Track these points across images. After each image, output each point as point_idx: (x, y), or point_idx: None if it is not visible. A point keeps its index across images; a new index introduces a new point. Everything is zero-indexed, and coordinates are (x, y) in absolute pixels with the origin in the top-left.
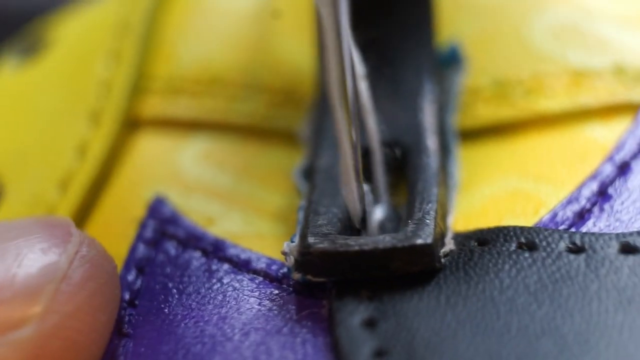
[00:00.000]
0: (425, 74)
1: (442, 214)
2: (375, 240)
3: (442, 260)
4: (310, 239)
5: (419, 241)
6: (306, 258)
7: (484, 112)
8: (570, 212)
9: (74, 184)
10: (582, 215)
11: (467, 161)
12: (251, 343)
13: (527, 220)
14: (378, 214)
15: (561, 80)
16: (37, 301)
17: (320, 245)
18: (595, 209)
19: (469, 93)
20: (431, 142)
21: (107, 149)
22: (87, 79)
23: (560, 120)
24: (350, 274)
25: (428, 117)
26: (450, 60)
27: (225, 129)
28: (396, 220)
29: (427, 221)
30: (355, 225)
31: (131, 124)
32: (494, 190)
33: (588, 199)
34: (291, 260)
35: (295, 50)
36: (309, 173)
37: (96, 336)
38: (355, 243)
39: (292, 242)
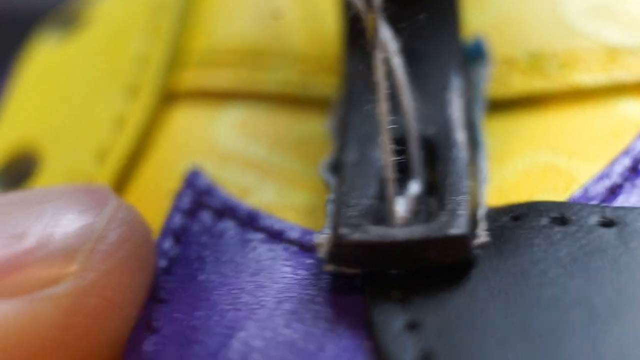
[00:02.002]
0: (452, 68)
1: (474, 206)
2: (409, 230)
3: (476, 252)
4: (343, 230)
5: (453, 231)
6: (339, 249)
7: (518, 83)
8: (601, 187)
9: (111, 156)
10: (613, 191)
11: (500, 132)
12: (285, 311)
13: (558, 195)
14: (414, 188)
15: (596, 55)
16: (74, 259)
17: (354, 236)
18: (627, 185)
19: (503, 62)
20: (460, 135)
21: (144, 121)
22: (124, 54)
23: (594, 95)
24: (384, 264)
25: (456, 111)
26: (475, 54)
27: (260, 99)
28: (428, 212)
29: (460, 212)
30: (392, 213)
31: (168, 97)
32: (527, 165)
33: (620, 175)
34: (323, 251)
35: (328, 18)
36: (336, 167)
37: (131, 296)
38: (388, 233)
39: (323, 234)
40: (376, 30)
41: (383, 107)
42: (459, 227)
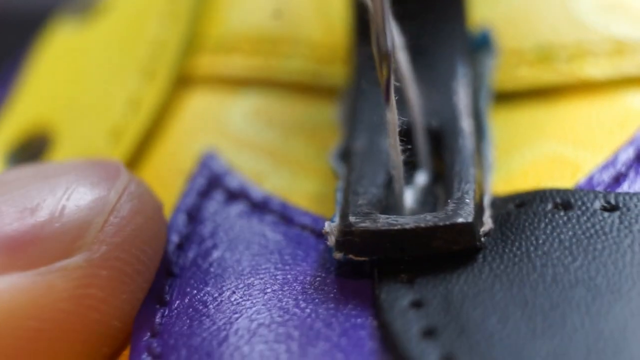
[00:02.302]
0: (459, 57)
1: (480, 194)
2: (417, 219)
3: (482, 239)
4: (352, 218)
5: (460, 220)
6: (348, 237)
7: (527, 75)
8: (606, 176)
9: (125, 135)
10: (617, 179)
11: (507, 123)
12: (294, 291)
13: (564, 184)
14: (421, 177)
15: (604, 48)
16: (86, 232)
17: (362, 224)
18: (631, 173)
19: (512, 54)
20: (466, 124)
21: (159, 103)
22: (141, 38)
23: (602, 87)
24: (392, 252)
25: (462, 100)
26: (482, 45)
27: (274, 86)
28: (434, 200)
29: (467, 200)
30: (399, 204)
31: (183, 81)
32: (534, 154)
33: (624, 164)
34: (332, 239)
35: (341, 7)
36: (345, 155)
37: (142, 268)
38: (396, 222)
39: (333, 222)
40: (383, 25)
41: (392, 103)
42: (465, 216)
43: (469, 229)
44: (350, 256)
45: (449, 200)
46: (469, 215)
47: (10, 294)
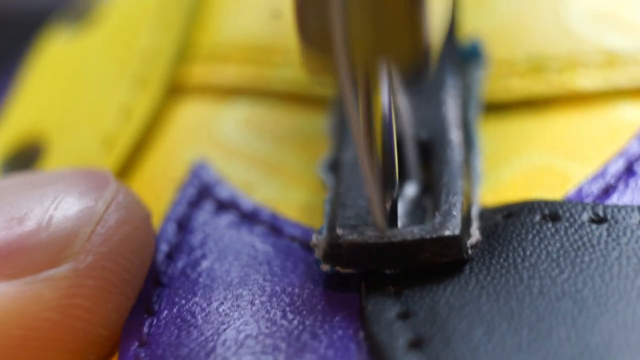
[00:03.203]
0: (448, 69)
1: (468, 205)
2: (404, 231)
3: (469, 251)
4: (339, 231)
5: (447, 232)
6: (335, 250)
7: (518, 86)
8: (595, 187)
9: (117, 144)
10: (607, 191)
11: (497, 134)
12: (282, 303)
13: (553, 195)
14: (410, 189)
15: (595, 59)
16: (73, 242)
17: (349, 237)
18: (620, 185)
19: (503, 64)
20: (455, 135)
21: (150, 112)
22: (133, 47)
23: (592, 98)
24: (379, 265)
25: (451, 111)
26: (472, 56)
27: (265, 95)
28: (422, 212)
29: (454, 213)
30: (379, 224)
31: (175, 90)
32: (523, 165)
33: (614, 176)
34: (320, 251)
35: None
36: (334, 166)
37: (129, 277)
38: (383, 235)
39: (320, 233)
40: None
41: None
42: (452, 228)
43: (456, 242)
44: (338, 268)
45: (436, 213)
46: (456, 227)
47: None
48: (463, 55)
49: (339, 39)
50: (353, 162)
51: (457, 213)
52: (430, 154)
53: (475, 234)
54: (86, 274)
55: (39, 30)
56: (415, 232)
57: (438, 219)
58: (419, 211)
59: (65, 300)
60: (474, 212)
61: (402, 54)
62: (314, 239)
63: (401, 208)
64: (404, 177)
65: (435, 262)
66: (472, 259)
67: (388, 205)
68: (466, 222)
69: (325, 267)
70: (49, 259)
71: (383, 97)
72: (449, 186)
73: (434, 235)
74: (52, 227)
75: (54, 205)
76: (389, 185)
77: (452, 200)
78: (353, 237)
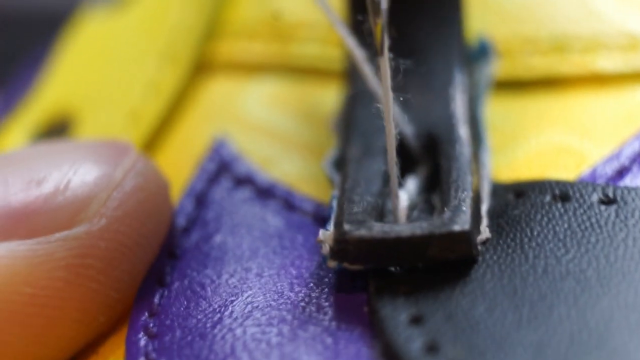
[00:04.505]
0: (456, 65)
1: (477, 202)
2: (412, 227)
3: (479, 247)
4: (346, 227)
5: (456, 228)
6: (342, 245)
7: (540, 64)
8: (609, 168)
9: (143, 118)
10: (620, 173)
11: (516, 111)
12: (290, 275)
13: (568, 174)
14: (417, 184)
15: (618, 41)
16: (89, 206)
17: (357, 233)
18: (634, 167)
19: (526, 42)
20: (463, 131)
21: (177, 88)
22: (163, 25)
23: (612, 80)
24: (387, 261)
25: (459, 107)
26: (480, 55)
27: (291, 72)
28: (430, 209)
29: (463, 208)
30: (396, 210)
31: (203, 66)
32: (541, 143)
33: (628, 157)
34: (327, 248)
35: None
36: (340, 163)
37: (143, 242)
38: (391, 230)
39: (327, 230)
40: (383, 36)
41: (389, 111)
42: (462, 224)
43: (465, 237)
44: (345, 265)
45: (445, 208)
46: (466, 223)
47: (8, 260)
48: (471, 53)
49: None
50: (359, 158)
51: (466, 209)
52: (439, 150)
53: (485, 231)
54: (99, 236)
55: (40, 30)
56: (424, 227)
57: (447, 214)
58: (427, 208)
59: (77, 260)
60: (484, 209)
61: None
62: (321, 235)
63: (410, 204)
64: (411, 172)
65: (444, 259)
66: (481, 256)
67: (399, 203)
68: (476, 218)
69: (332, 264)
70: (63, 221)
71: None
72: (459, 182)
73: (443, 231)
74: (69, 191)
75: (72, 170)
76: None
77: (461, 196)
78: (360, 232)
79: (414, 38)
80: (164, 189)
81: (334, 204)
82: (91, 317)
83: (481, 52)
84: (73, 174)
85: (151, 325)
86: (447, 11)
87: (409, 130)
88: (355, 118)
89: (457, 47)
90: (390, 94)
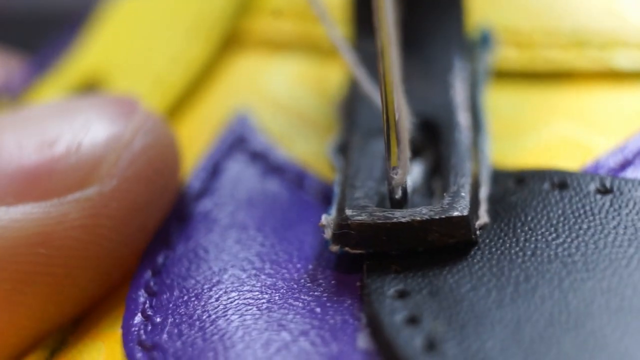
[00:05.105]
0: (455, 52)
1: (476, 187)
2: (412, 212)
3: (477, 232)
4: (348, 212)
5: (456, 213)
6: (344, 230)
7: (558, 58)
8: (612, 161)
9: (168, 87)
10: (623, 166)
11: (528, 101)
12: (290, 247)
13: (573, 165)
14: (417, 169)
15: (636, 40)
16: (100, 167)
17: (358, 218)
18: (637, 160)
19: (546, 35)
20: (463, 118)
21: (204, 60)
22: (193, 1)
23: (626, 77)
24: (388, 245)
25: (459, 94)
26: (482, 44)
27: (316, 51)
28: (430, 194)
29: (462, 194)
30: (395, 197)
31: (232, 42)
32: (550, 134)
33: (632, 152)
34: (329, 232)
35: None
36: (343, 149)
37: (154, 198)
38: (392, 215)
39: (329, 214)
40: (384, 16)
41: (389, 96)
42: (461, 209)
43: (465, 222)
44: (347, 249)
45: (445, 194)
46: (465, 208)
47: (23, 222)
48: (473, 42)
49: None
50: (362, 144)
51: (465, 194)
52: (438, 136)
53: (483, 216)
54: (111, 196)
55: (40, 30)
56: (424, 212)
57: (447, 199)
58: (427, 193)
59: (90, 221)
60: (483, 194)
61: None
62: (323, 219)
63: (409, 189)
64: (412, 158)
65: (444, 243)
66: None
67: (400, 189)
68: (474, 203)
69: (335, 248)
70: (76, 182)
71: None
72: (457, 168)
73: (443, 216)
74: (80, 152)
75: (83, 131)
76: (401, 166)
77: (460, 182)
78: (362, 217)
79: (414, 25)
80: (173, 147)
81: (337, 189)
82: (105, 274)
83: (482, 41)
84: (84, 134)
85: (152, 283)
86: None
87: (413, 116)
88: (358, 104)
89: (456, 34)
90: (392, 79)
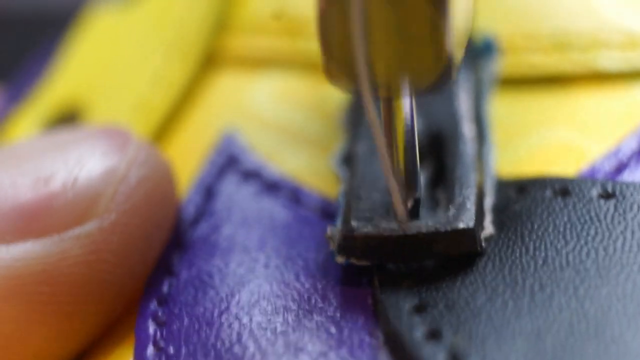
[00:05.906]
0: (460, 62)
1: (481, 198)
2: (418, 224)
3: (483, 244)
4: (354, 223)
5: (461, 225)
6: (349, 242)
7: (542, 62)
8: (608, 165)
9: (149, 111)
10: (619, 169)
11: (518, 108)
12: (297, 267)
13: (568, 170)
14: (422, 181)
15: (617, 40)
16: (98, 201)
17: (364, 229)
18: (632, 163)
19: (528, 38)
20: (467, 129)
21: (184, 81)
22: (170, 19)
23: (612, 78)
24: (393, 257)
25: (463, 105)
26: (485, 52)
27: (299, 67)
28: (435, 204)
29: (468, 206)
30: (400, 209)
31: (211, 61)
32: (542, 140)
33: (627, 155)
34: (334, 243)
35: None
36: (348, 160)
37: (153, 230)
38: (398, 227)
39: (335, 226)
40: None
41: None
42: (467, 221)
43: (471, 234)
44: (352, 260)
45: (450, 206)
46: (470, 220)
47: (24, 260)
48: (476, 50)
49: (361, 55)
50: (367, 154)
51: (470, 206)
52: (443, 148)
53: (488, 227)
54: (111, 230)
55: (40, 30)
56: (430, 224)
57: (452, 211)
58: (432, 204)
59: (91, 256)
60: (487, 205)
61: (425, 69)
62: (329, 231)
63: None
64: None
65: (449, 255)
66: (485, 251)
67: (410, 204)
68: (480, 215)
69: (340, 260)
70: (74, 218)
71: (404, 100)
72: (462, 179)
73: (448, 228)
74: (77, 188)
75: (78, 166)
76: (412, 185)
77: (465, 193)
78: (367, 229)
79: None
80: (168, 174)
81: (342, 199)
82: (109, 307)
83: (485, 50)
84: (79, 170)
85: (160, 313)
86: None
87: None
88: (362, 114)
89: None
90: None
